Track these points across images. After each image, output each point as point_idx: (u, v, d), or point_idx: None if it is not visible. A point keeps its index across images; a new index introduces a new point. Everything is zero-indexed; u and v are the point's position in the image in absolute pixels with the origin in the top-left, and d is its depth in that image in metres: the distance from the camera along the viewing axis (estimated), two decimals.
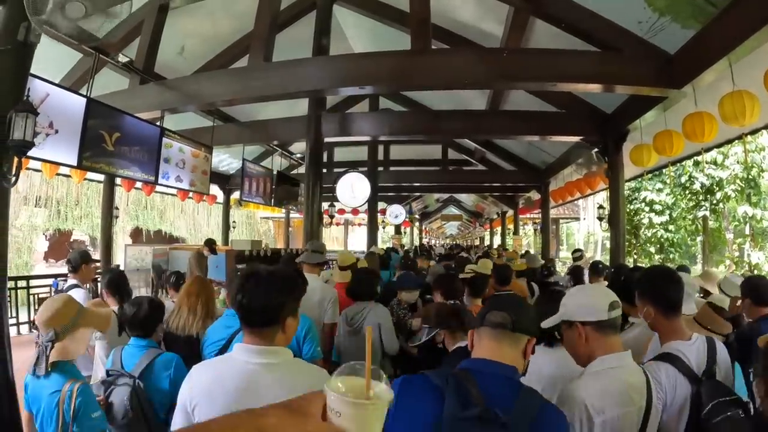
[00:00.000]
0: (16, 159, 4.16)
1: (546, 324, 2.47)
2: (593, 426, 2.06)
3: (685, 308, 2.92)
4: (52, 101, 5.95)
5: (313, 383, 1.92)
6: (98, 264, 6.92)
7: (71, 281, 5.43)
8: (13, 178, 4.08)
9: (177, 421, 2.10)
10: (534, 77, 6.37)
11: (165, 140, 8.33)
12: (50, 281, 10.27)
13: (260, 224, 35.44)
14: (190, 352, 3.52)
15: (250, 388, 1.98)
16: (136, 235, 26.04)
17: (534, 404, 1.82)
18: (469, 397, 1.76)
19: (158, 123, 8.52)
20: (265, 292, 2.06)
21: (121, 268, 12.03)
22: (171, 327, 3.91)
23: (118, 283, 4.91)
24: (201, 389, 2.05)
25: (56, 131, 6.06)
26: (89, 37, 4.40)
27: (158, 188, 11.96)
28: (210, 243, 9.48)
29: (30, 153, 5.66)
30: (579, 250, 13.12)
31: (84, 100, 6.54)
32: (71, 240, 24.62)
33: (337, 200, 12.81)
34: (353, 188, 11.75)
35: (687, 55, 5.78)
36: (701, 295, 5.56)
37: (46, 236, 23.23)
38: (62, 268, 14.22)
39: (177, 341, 3.82)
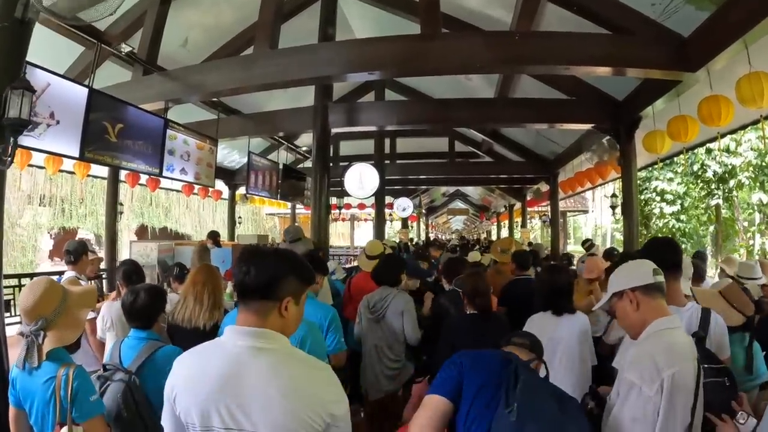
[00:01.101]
0: (12, 140, 4.02)
1: (598, 306, 2.73)
2: (662, 381, 2.13)
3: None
4: (54, 91, 5.85)
5: (310, 380, 1.81)
6: (100, 257, 6.75)
7: (69, 273, 5.31)
8: (9, 160, 3.95)
9: (164, 416, 1.92)
10: (546, 60, 6.19)
11: (169, 132, 8.20)
12: (54, 279, 10.14)
13: (266, 220, 35.37)
14: (196, 344, 3.31)
15: (236, 374, 1.76)
16: (142, 232, 25.98)
17: None
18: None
19: (163, 115, 8.39)
20: (266, 264, 1.88)
21: None
22: (176, 319, 3.77)
23: (132, 273, 4.81)
24: (183, 376, 1.87)
25: (57, 122, 5.96)
26: (86, 15, 4.27)
27: (163, 184, 11.91)
28: (214, 235, 9.32)
29: (31, 144, 5.67)
30: (589, 240, 12.96)
31: (86, 90, 6.43)
32: (76, 238, 24.53)
33: (345, 194, 12.71)
34: (362, 179, 11.62)
35: (701, 38, 5.61)
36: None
37: (51, 235, 23.22)
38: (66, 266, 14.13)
39: (183, 334, 3.66)
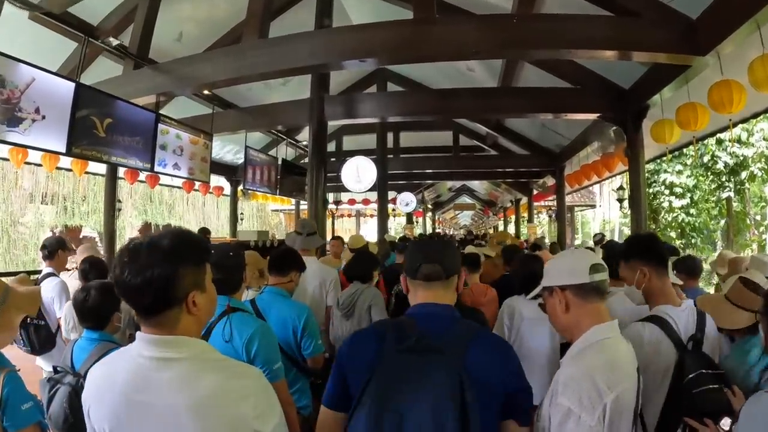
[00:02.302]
0: None
1: (531, 296, 2.77)
2: (605, 406, 1.83)
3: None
4: (39, 86, 5.74)
5: (229, 392, 1.52)
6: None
7: (46, 269, 5.11)
8: None
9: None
10: (547, 44, 5.88)
11: (161, 126, 8.01)
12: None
13: (271, 217, 35.15)
14: None
15: (141, 388, 1.52)
16: (145, 230, 25.84)
17: (469, 331, 1.91)
18: (406, 331, 1.85)
19: (159, 109, 8.29)
20: (145, 263, 1.50)
21: None
22: None
23: (88, 271, 4.66)
24: (93, 388, 1.64)
25: (43, 117, 5.83)
26: None
27: (164, 181, 11.73)
28: (203, 232, 9.09)
29: (15, 140, 5.57)
30: (600, 234, 12.70)
31: (72, 85, 6.29)
32: (81, 236, 24.58)
33: (346, 189, 12.50)
34: (359, 172, 11.39)
35: (711, 19, 5.33)
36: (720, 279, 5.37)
37: (53, 233, 23.15)
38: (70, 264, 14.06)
39: None
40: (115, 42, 7.46)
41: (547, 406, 1.99)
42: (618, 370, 1.95)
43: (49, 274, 5.03)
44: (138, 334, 1.59)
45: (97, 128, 6.69)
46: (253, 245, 9.94)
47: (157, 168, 7.98)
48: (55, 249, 5.14)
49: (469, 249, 7.67)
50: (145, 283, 1.49)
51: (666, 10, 5.64)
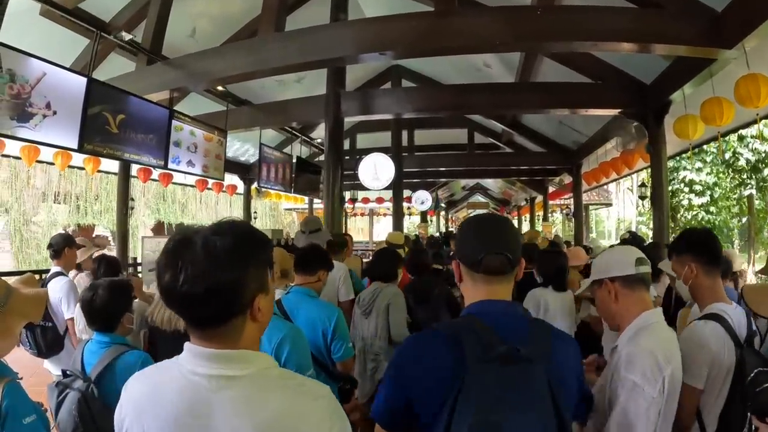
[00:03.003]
0: None
1: (580, 291, 2.68)
2: (664, 379, 2.00)
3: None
4: (50, 81, 5.68)
5: (299, 416, 1.28)
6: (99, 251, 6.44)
7: (54, 269, 4.98)
8: None
9: None
10: (570, 36, 5.73)
11: (175, 123, 7.93)
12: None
13: (284, 216, 35.11)
14: (179, 350, 2.93)
15: (198, 411, 1.27)
16: (158, 228, 25.91)
17: (546, 332, 1.75)
18: (488, 338, 1.59)
19: (173, 106, 8.23)
20: (207, 267, 1.23)
21: (139, 260, 12.26)
22: (155, 320, 3.31)
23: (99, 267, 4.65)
24: (132, 408, 1.38)
25: (54, 113, 5.78)
26: None
27: (176, 179, 11.68)
28: None
29: (25, 135, 5.50)
30: (629, 232, 12.47)
31: (84, 80, 6.22)
32: (94, 236, 24.67)
33: (361, 187, 12.40)
34: (376, 169, 11.30)
35: (737, 11, 5.17)
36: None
37: (66, 232, 23.20)
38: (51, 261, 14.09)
39: (164, 338, 3.25)
40: (127, 37, 7.36)
41: (607, 386, 2.13)
42: (672, 348, 2.12)
43: (56, 273, 4.88)
44: (188, 346, 1.37)
45: (110, 124, 6.63)
46: None
47: (171, 165, 7.90)
48: (62, 247, 5.00)
49: None
50: (210, 292, 1.24)
51: (690, 2, 5.50)
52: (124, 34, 7.36)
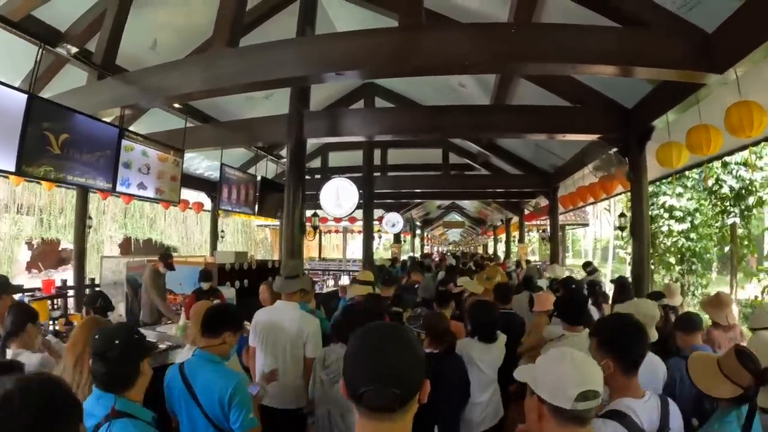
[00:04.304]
0: None
1: (517, 377, 2.16)
2: None
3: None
4: None
5: None
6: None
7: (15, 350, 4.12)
8: None
9: None
10: (548, 57, 5.25)
11: (125, 142, 7.32)
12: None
13: (256, 232, 34.40)
14: None
15: None
16: (126, 244, 25.28)
17: None
18: None
19: (127, 123, 7.73)
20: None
21: (97, 281, 11.72)
22: None
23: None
24: None
25: None
26: None
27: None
28: (165, 258, 8.41)
29: None
30: (590, 263, 12.13)
31: (24, 96, 5.69)
32: (60, 249, 24.12)
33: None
34: (339, 195, 10.82)
35: (730, 32, 4.79)
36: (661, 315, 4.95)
37: (30, 245, 22.69)
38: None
39: None
40: (73, 50, 6.84)
41: None
42: None
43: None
44: None
45: (52, 144, 6.05)
46: (229, 268, 9.39)
47: (120, 188, 7.31)
48: (23, 324, 4.16)
49: (464, 281, 7.52)
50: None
51: (679, 22, 5.12)
52: (69, 47, 6.85)
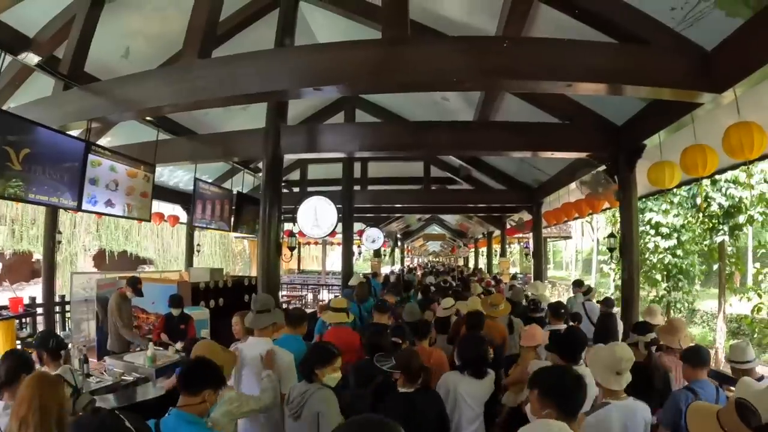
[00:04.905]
0: None
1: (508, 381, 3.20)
2: None
3: None
4: None
5: None
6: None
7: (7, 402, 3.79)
8: None
9: None
10: (543, 75, 4.97)
11: (92, 157, 6.89)
12: None
13: (234, 244, 33.93)
14: None
15: None
16: (100, 257, 24.79)
17: None
18: None
19: (94, 136, 7.40)
20: None
21: (67, 298, 11.07)
22: None
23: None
24: None
25: None
26: None
27: None
28: (134, 283, 7.98)
29: None
30: (588, 286, 11.85)
31: None
32: (33, 260, 23.72)
33: None
34: (317, 215, 10.45)
35: (731, 51, 4.58)
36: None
37: (2, 257, 22.30)
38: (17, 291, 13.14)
39: None
40: (36, 59, 6.46)
41: None
42: None
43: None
44: None
45: (12, 160, 5.66)
46: (203, 287, 9.05)
47: (86, 206, 6.87)
48: (17, 375, 3.85)
49: (449, 303, 7.37)
50: None
51: (678, 39, 4.90)
52: (32, 55, 6.49)
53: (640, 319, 6.80)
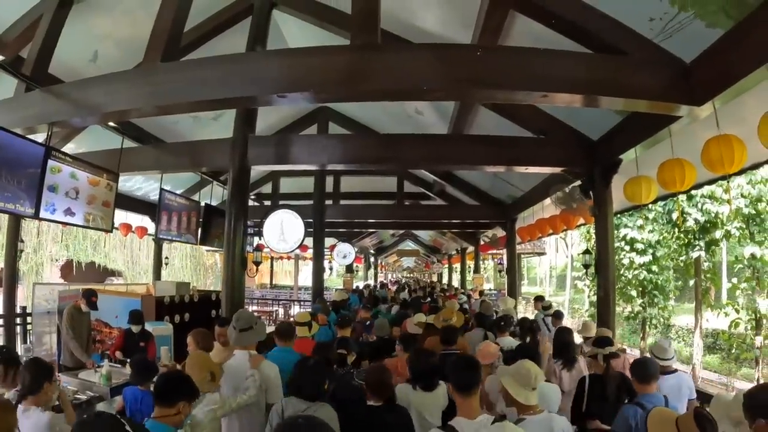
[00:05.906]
0: None
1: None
2: None
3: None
4: None
5: None
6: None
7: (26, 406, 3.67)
8: None
9: None
10: (517, 84, 4.82)
11: (52, 163, 6.58)
12: None
13: (206, 257, 33.43)
14: None
15: None
16: (68, 267, 24.22)
17: None
18: None
19: (56, 141, 7.22)
20: None
21: (29, 310, 10.75)
22: None
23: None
24: None
25: None
26: None
27: None
28: (88, 295, 7.65)
29: None
30: (542, 297, 11.82)
31: None
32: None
33: None
34: (283, 229, 10.17)
35: (708, 65, 4.52)
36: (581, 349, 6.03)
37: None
38: None
39: None
40: None
41: None
42: None
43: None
44: None
45: None
46: (168, 301, 8.77)
47: (44, 214, 6.56)
48: (41, 382, 3.71)
49: (420, 318, 7.52)
50: None
51: (657, 50, 4.82)
52: None
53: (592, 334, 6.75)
